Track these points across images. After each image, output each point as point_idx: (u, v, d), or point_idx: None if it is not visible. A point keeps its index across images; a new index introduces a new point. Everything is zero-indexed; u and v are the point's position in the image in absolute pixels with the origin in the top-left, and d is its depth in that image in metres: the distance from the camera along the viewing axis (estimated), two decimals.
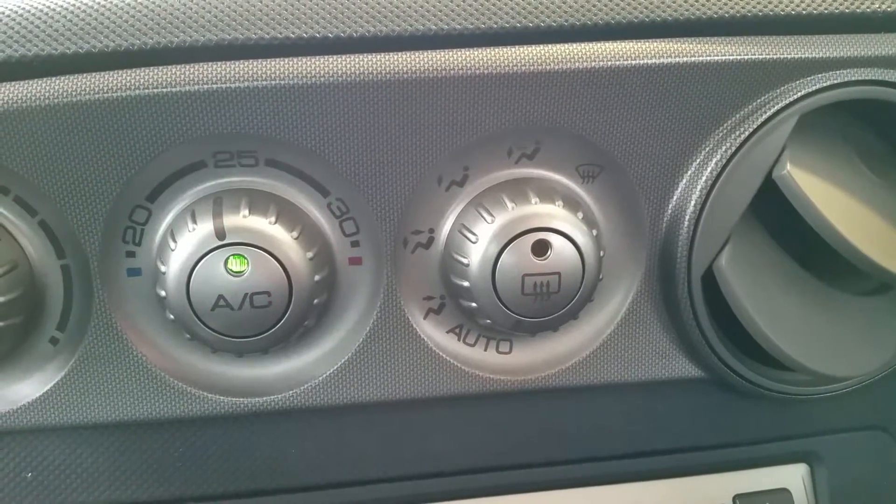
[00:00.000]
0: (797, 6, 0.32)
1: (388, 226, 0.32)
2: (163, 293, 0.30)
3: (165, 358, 0.33)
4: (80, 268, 0.32)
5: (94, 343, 0.32)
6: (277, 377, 0.34)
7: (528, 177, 0.33)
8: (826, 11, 0.33)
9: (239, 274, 0.30)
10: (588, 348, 0.35)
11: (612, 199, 0.34)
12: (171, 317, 0.31)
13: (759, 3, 0.32)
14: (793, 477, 0.41)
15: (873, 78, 0.32)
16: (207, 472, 0.36)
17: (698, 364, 0.36)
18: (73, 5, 0.29)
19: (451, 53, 0.30)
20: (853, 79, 0.32)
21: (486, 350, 0.36)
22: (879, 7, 0.33)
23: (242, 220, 0.30)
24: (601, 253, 0.33)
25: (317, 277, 0.31)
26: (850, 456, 0.41)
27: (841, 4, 0.33)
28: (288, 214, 0.31)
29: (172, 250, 0.30)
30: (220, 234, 0.30)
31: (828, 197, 0.32)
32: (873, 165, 0.35)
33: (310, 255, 0.31)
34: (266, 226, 0.30)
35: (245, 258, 0.30)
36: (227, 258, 0.30)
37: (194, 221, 0.30)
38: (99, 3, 0.29)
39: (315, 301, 0.31)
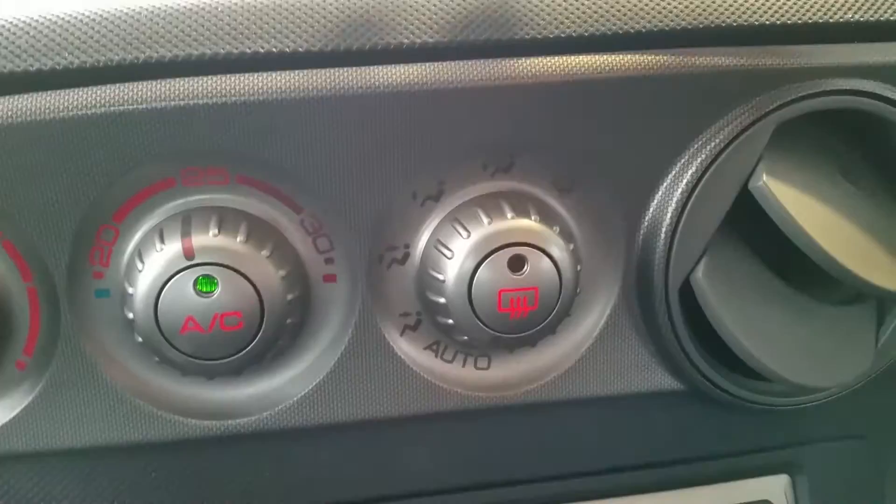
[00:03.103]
0: (771, 17, 0.32)
1: (362, 242, 0.32)
2: (130, 315, 0.30)
3: (136, 381, 0.33)
4: (46, 290, 0.31)
5: (62, 367, 0.31)
6: (251, 398, 0.33)
7: (504, 190, 0.33)
8: (800, 22, 0.33)
9: (208, 294, 0.29)
10: (567, 363, 0.35)
11: (589, 212, 0.34)
12: (140, 339, 0.30)
13: (732, 14, 0.32)
14: (774, 488, 0.41)
15: (849, 88, 0.32)
16: (181, 497, 0.35)
17: (678, 377, 0.36)
18: (37, 21, 0.29)
19: (422, 67, 0.30)
20: (829, 89, 0.32)
21: (464, 366, 0.35)
22: (853, 17, 0.33)
23: (212, 238, 0.29)
24: (578, 267, 0.32)
25: (289, 297, 0.30)
26: (831, 465, 0.41)
27: (815, 14, 0.33)
28: (259, 232, 0.30)
29: (140, 271, 0.29)
30: (189, 253, 0.29)
31: (804, 207, 0.32)
32: (850, 175, 0.35)
33: (282, 273, 0.30)
34: (236, 244, 0.29)
35: (215, 278, 0.29)
36: (197, 278, 0.29)
37: (162, 241, 0.29)
38: (62, 20, 0.29)
39: (288, 321, 0.31)
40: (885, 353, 0.37)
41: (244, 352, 0.30)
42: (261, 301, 0.29)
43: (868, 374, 0.37)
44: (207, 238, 0.29)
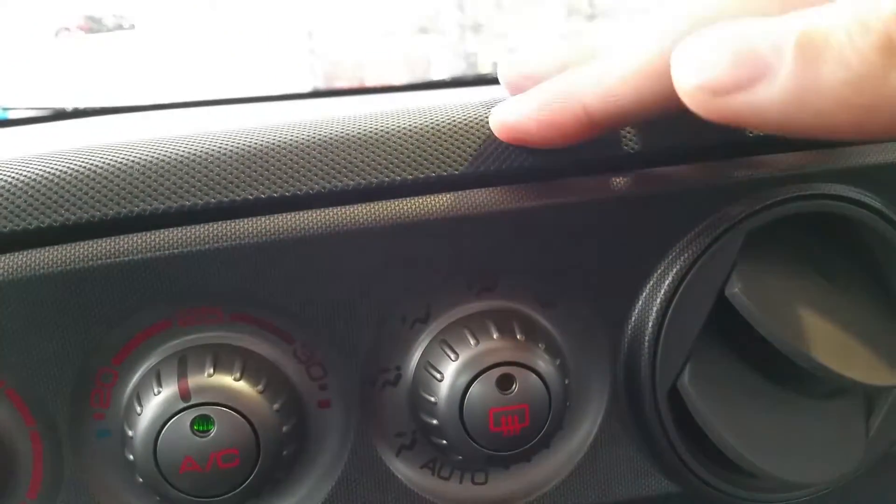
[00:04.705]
0: (732, 133, 0.34)
1: (354, 367, 0.33)
2: (131, 457, 0.30)
3: None
4: (49, 432, 0.32)
5: None
6: None
7: (489, 309, 0.34)
8: (760, 134, 0.34)
9: (205, 434, 0.30)
10: (563, 473, 0.35)
11: (573, 326, 0.35)
12: (141, 480, 0.31)
13: (694, 132, 0.34)
14: None
15: (817, 192, 0.34)
16: None
17: (673, 480, 0.36)
18: (32, 179, 0.30)
19: (402, 203, 0.31)
20: (797, 194, 0.34)
21: (461, 482, 0.35)
22: None
23: (207, 379, 0.30)
24: (566, 381, 0.33)
25: (285, 428, 0.31)
26: None
27: None
28: (253, 367, 0.31)
29: (138, 414, 0.30)
30: (185, 395, 0.30)
31: (781, 309, 0.33)
32: (825, 272, 0.36)
33: (276, 406, 0.31)
34: (231, 382, 0.30)
35: (211, 417, 0.30)
36: (193, 419, 0.30)
37: (159, 384, 0.30)
38: (56, 177, 0.30)
39: (284, 452, 0.31)
40: (876, 443, 0.37)
41: (241, 487, 0.30)
42: (256, 436, 0.30)
43: (861, 464, 0.37)
44: (203, 378, 0.30)
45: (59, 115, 0.72)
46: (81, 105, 0.74)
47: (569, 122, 0.29)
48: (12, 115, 0.77)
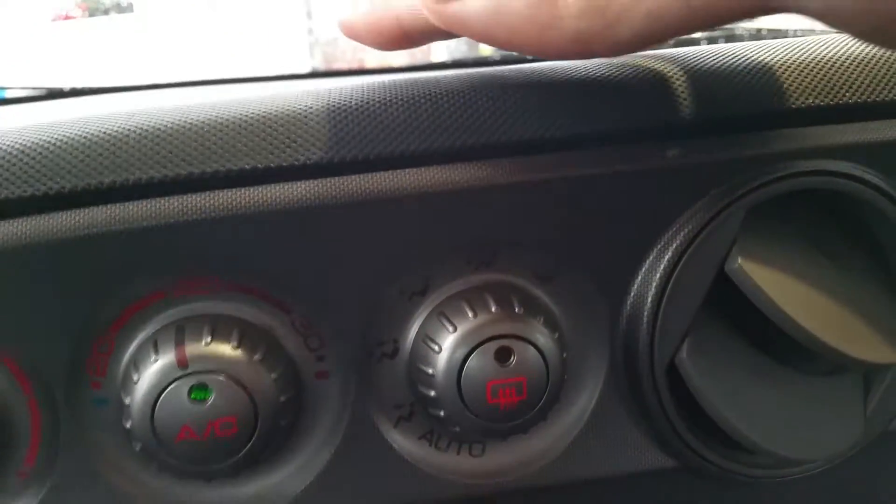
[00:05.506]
0: (735, 108, 0.34)
1: (352, 338, 0.33)
2: (128, 425, 0.30)
3: (136, 484, 0.33)
4: (46, 401, 0.32)
5: (63, 474, 0.32)
6: (249, 497, 0.34)
7: (488, 283, 0.34)
8: (764, 109, 0.34)
9: (203, 402, 0.30)
10: (560, 447, 0.35)
11: (572, 300, 0.35)
12: (138, 447, 0.31)
13: (696, 107, 0.33)
14: None
15: (818, 169, 0.34)
16: None
17: (670, 455, 0.36)
18: (28, 147, 0.30)
19: (401, 174, 0.31)
20: (798, 170, 0.33)
21: (458, 454, 0.36)
22: (814, 102, 0.34)
23: (204, 347, 0.30)
24: (564, 354, 0.33)
25: (283, 398, 0.31)
26: None
27: (778, 102, 0.34)
28: (251, 336, 0.31)
29: (135, 382, 0.30)
30: (183, 363, 0.30)
31: (781, 285, 0.33)
32: (826, 250, 0.35)
33: (274, 375, 0.31)
34: (228, 351, 0.30)
35: (208, 386, 0.30)
36: (191, 387, 0.30)
37: (156, 352, 0.30)
38: (52, 145, 0.30)
39: (282, 422, 0.31)
40: (874, 421, 0.37)
41: (239, 456, 0.30)
42: (254, 405, 0.30)
43: (859, 442, 0.37)
44: (200, 346, 0.30)
45: (56, 94, 0.72)
46: (78, 85, 0.73)
47: (386, 30, 0.32)
48: (9, 94, 0.77)
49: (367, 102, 0.32)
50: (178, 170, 0.30)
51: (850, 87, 0.34)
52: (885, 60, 0.35)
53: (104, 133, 0.31)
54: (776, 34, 0.74)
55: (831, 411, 0.37)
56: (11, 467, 0.32)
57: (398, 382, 0.34)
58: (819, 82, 0.35)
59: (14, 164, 0.30)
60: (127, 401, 0.30)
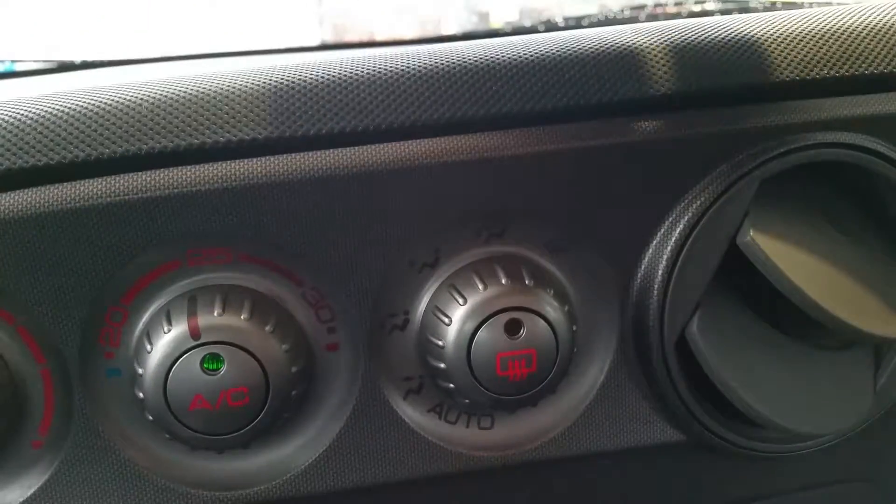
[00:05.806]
0: (749, 77, 0.33)
1: (363, 310, 0.33)
2: (141, 395, 0.31)
3: (147, 456, 0.33)
4: (59, 371, 0.32)
5: (76, 444, 0.32)
6: (259, 468, 0.34)
7: (498, 255, 0.34)
8: (777, 80, 0.33)
9: (215, 372, 0.30)
10: (569, 420, 0.35)
11: (582, 272, 0.34)
12: (151, 418, 0.31)
13: (710, 77, 0.33)
14: None
15: (829, 140, 0.33)
16: None
17: (679, 428, 0.36)
18: (42, 116, 0.30)
19: (414, 144, 0.31)
20: (810, 143, 0.33)
21: (467, 427, 0.36)
22: (829, 73, 0.34)
23: (217, 318, 0.30)
24: (574, 327, 0.33)
25: (294, 369, 0.31)
26: None
27: (791, 73, 0.34)
28: (262, 307, 0.31)
29: (148, 352, 0.30)
30: (195, 333, 0.30)
31: (793, 259, 0.33)
32: (838, 223, 0.35)
33: (286, 347, 0.31)
34: (240, 322, 0.31)
35: (221, 356, 0.30)
36: (203, 357, 0.30)
37: (169, 322, 0.30)
38: (66, 114, 0.30)
39: (293, 392, 0.32)
40: (884, 397, 0.37)
41: (251, 426, 0.31)
42: (266, 376, 0.30)
43: (868, 417, 0.37)
44: (212, 317, 0.30)
45: (67, 66, 0.72)
46: (89, 58, 0.73)
47: None
48: (19, 66, 0.77)
49: (380, 73, 0.32)
50: (191, 139, 0.30)
51: (867, 58, 0.34)
52: None
53: (115, 103, 0.31)
54: (791, 6, 0.73)
55: (841, 386, 0.36)
56: (26, 437, 0.33)
57: (408, 354, 0.34)
58: (834, 53, 0.34)
59: (28, 133, 0.30)
60: (140, 371, 0.30)
